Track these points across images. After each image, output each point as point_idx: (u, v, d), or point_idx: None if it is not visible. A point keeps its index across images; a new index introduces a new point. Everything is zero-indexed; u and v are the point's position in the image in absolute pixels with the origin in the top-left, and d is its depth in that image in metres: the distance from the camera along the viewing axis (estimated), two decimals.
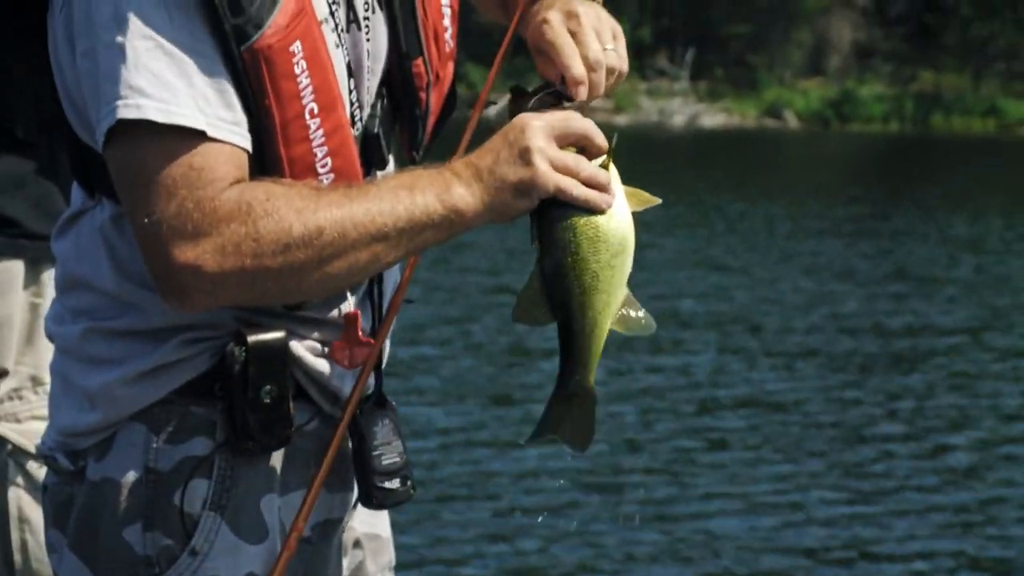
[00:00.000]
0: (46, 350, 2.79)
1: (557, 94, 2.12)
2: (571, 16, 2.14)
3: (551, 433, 2.18)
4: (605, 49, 2.14)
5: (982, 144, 46.38)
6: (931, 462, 11.22)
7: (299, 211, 1.96)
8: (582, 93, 2.10)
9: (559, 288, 2.08)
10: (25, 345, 3.21)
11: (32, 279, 3.17)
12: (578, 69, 2.07)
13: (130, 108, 1.89)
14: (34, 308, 3.19)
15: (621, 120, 46.12)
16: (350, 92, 2.18)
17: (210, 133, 1.94)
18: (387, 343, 2.32)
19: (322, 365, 2.20)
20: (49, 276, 3.09)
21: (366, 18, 2.19)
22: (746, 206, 27.74)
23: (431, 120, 2.32)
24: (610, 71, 2.15)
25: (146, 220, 1.94)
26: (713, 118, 53.70)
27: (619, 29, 2.20)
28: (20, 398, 3.25)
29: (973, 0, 51.24)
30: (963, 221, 25.95)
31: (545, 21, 2.14)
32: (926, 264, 20.50)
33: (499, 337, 14.71)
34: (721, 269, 19.90)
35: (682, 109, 53.14)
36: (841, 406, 12.79)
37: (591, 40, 2.11)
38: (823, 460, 11.11)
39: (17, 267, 3.17)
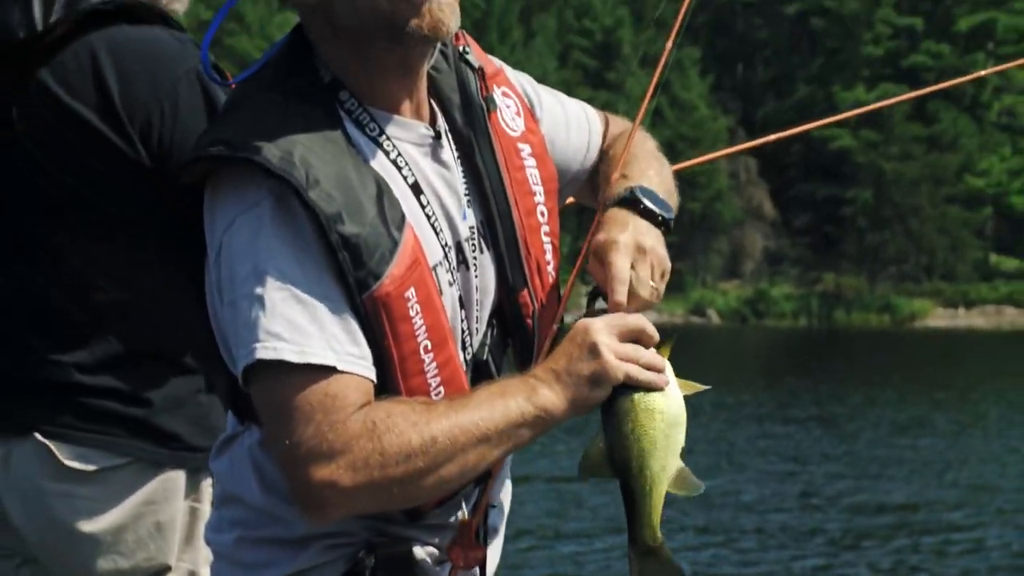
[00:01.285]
0: (203, 548, 3.01)
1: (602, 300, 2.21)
2: (640, 250, 2.19)
3: None
4: (650, 284, 2.20)
5: (879, 336, 47.70)
6: None
7: (415, 424, 2.02)
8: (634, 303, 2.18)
9: (620, 452, 2.15)
10: (185, 544, 3.20)
11: (192, 487, 3.18)
12: (620, 298, 2.12)
13: (268, 350, 1.96)
14: (193, 512, 3.20)
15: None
16: (462, 322, 2.23)
17: (340, 367, 2.00)
18: (498, 542, 2.42)
19: (440, 570, 2.24)
20: (206, 484, 3.19)
21: (474, 258, 2.24)
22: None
23: (541, 343, 2.30)
24: (645, 304, 2.20)
25: (287, 443, 2.00)
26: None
27: (668, 269, 2.24)
28: None
29: (867, 213, 53.95)
30: (864, 403, 26.43)
31: (615, 242, 2.18)
32: (816, 443, 20.65)
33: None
34: None
35: None
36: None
37: (644, 277, 2.17)
38: None
39: (179, 476, 3.19)
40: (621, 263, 2.13)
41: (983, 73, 5.82)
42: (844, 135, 53.54)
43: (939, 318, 53.38)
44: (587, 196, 2.54)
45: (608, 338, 2.06)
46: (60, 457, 3.01)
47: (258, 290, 2.01)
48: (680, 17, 2.47)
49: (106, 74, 2.98)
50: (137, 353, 3.07)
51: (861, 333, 49.12)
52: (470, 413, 2.04)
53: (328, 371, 1.98)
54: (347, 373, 1.99)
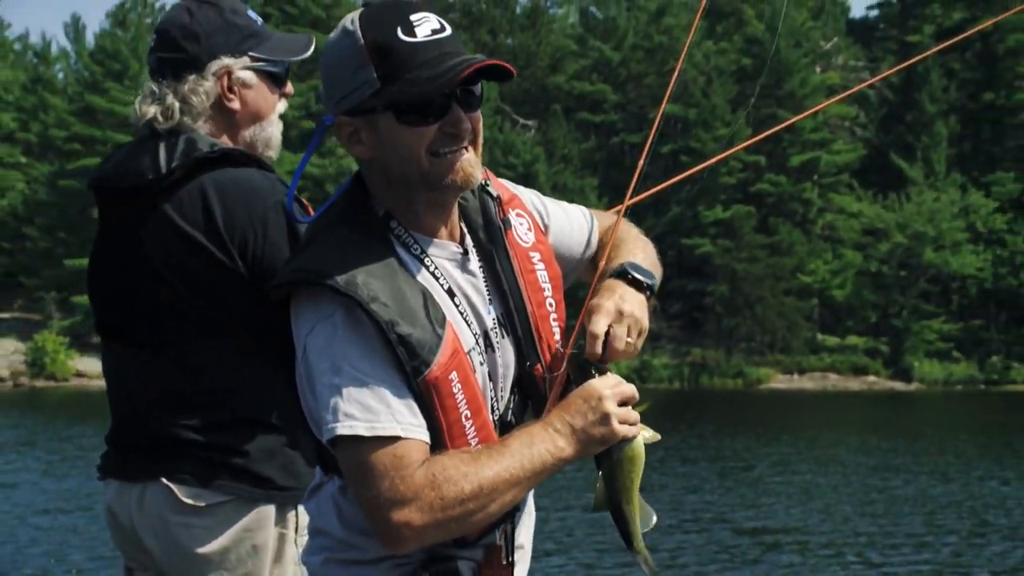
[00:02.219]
0: (289, 565, 3.23)
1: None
2: (619, 313, 2.30)
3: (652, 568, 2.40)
4: (627, 341, 2.29)
5: (734, 395, 50.63)
6: None
7: (465, 475, 2.13)
8: (619, 355, 2.29)
9: (614, 489, 2.33)
10: (274, 563, 3.25)
11: (280, 518, 3.25)
12: (594, 350, 2.26)
13: (345, 428, 2.10)
14: (281, 537, 3.26)
15: None
16: (491, 392, 2.34)
17: (403, 435, 2.11)
18: (526, 559, 2.51)
19: None
20: (291, 515, 3.28)
21: (498, 343, 2.35)
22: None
23: (550, 401, 2.36)
24: (624, 355, 2.30)
25: (369, 495, 2.11)
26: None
27: (645, 328, 2.35)
28: None
29: (724, 303, 57.51)
30: (727, 446, 26.67)
31: (599, 306, 2.30)
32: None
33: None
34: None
35: None
36: None
37: (620, 334, 2.28)
38: None
39: (270, 510, 3.24)
40: (598, 324, 2.26)
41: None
42: (706, 243, 57.41)
43: (779, 381, 56.64)
44: (591, 277, 2.58)
45: (614, 407, 2.21)
46: (180, 496, 3.18)
47: (335, 381, 2.13)
48: (650, 141, 2.78)
49: (213, 205, 3.14)
50: (239, 419, 3.20)
51: (721, 393, 52.88)
52: (506, 462, 2.15)
53: (394, 439, 2.11)
54: (409, 439, 2.12)
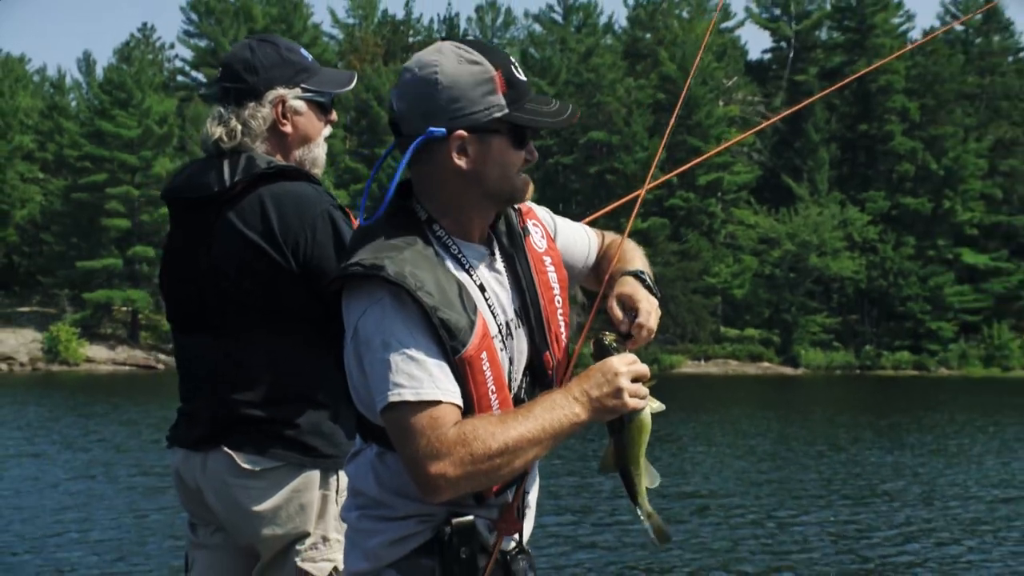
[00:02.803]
0: (331, 521, 3.18)
1: (622, 337, 2.29)
2: (648, 300, 2.36)
3: (662, 536, 2.37)
4: (648, 328, 2.33)
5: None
6: None
7: (493, 435, 2.11)
8: (640, 338, 2.31)
9: (622, 454, 2.30)
10: (318, 519, 3.23)
11: (324, 481, 3.22)
12: (642, 335, 2.30)
13: (395, 395, 2.11)
14: (324, 498, 3.23)
15: None
16: (510, 372, 2.32)
17: (442, 399, 2.12)
18: (531, 518, 2.47)
19: (492, 536, 2.33)
20: (333, 479, 3.21)
21: (516, 331, 2.35)
22: None
23: (557, 382, 2.38)
24: (645, 341, 2.33)
25: (409, 452, 2.12)
26: None
27: (655, 330, 2.36)
28: (316, 549, 3.26)
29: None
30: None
31: (643, 299, 2.35)
32: None
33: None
34: None
35: None
36: None
37: (652, 325, 2.34)
38: None
39: (315, 474, 3.23)
40: (647, 311, 2.33)
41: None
42: None
43: (689, 367, 57.39)
44: (590, 283, 2.65)
45: (627, 382, 2.18)
46: (239, 462, 3.17)
47: (385, 355, 2.14)
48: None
49: (270, 213, 3.10)
50: (291, 396, 3.18)
51: None
52: (530, 424, 2.14)
53: (434, 403, 2.11)
54: (445, 403, 2.12)
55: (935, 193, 66.57)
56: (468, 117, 2.20)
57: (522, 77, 2.25)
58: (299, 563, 3.25)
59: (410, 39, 75.18)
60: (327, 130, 3.36)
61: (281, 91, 3.24)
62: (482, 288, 2.29)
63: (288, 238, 3.10)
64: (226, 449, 3.20)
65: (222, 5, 68.66)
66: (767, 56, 76.42)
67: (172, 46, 76.25)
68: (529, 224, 2.48)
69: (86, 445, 20.53)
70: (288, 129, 3.26)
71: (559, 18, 76.00)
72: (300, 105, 3.27)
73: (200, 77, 70.20)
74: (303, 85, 3.27)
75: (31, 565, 10.58)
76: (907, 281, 64.20)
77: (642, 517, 2.35)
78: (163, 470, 15.49)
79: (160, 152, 58.77)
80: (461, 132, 2.20)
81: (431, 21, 77.95)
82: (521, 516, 2.41)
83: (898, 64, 67.12)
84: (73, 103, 69.22)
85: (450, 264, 2.26)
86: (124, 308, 57.66)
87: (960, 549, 12.05)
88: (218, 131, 3.19)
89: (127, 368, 53.44)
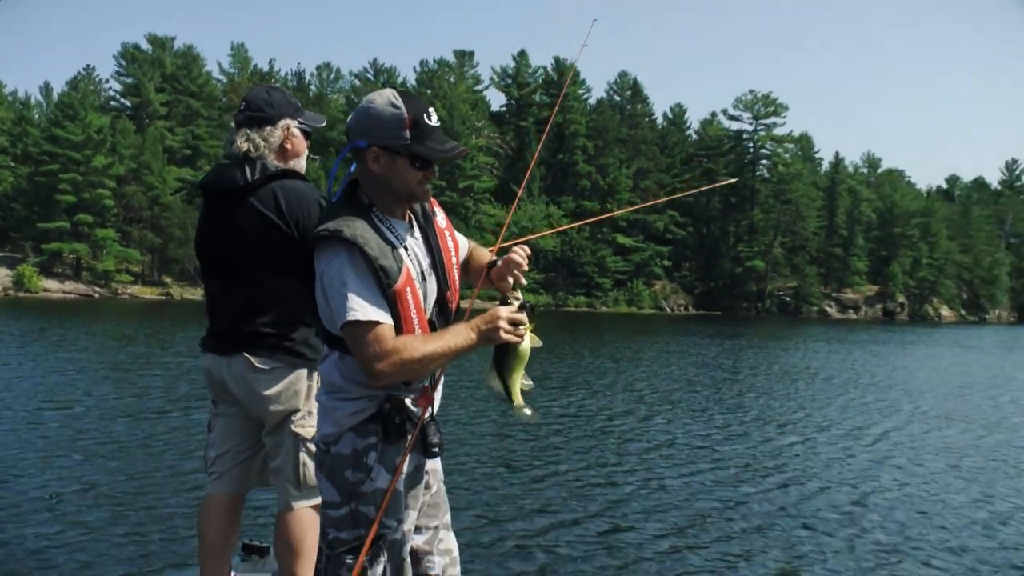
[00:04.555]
0: (314, 400, 3.28)
1: (508, 302, 2.48)
2: (515, 251, 2.56)
3: (525, 413, 2.49)
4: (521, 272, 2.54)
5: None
6: None
7: (417, 348, 2.28)
8: (518, 259, 2.52)
9: (501, 369, 2.46)
10: (306, 399, 3.27)
11: (309, 375, 3.27)
12: (518, 296, 2.46)
13: (351, 316, 2.27)
14: (309, 387, 3.28)
15: None
16: (424, 304, 2.47)
17: (381, 321, 2.28)
18: (438, 398, 2.61)
19: (417, 407, 2.49)
20: (315, 375, 3.28)
21: (428, 277, 2.52)
22: None
23: (452, 312, 2.54)
24: (518, 278, 2.53)
25: (362, 355, 2.29)
26: None
27: (525, 250, 2.54)
28: (304, 419, 3.30)
29: None
30: None
31: (513, 261, 2.53)
32: None
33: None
34: None
35: None
36: None
37: (521, 250, 2.54)
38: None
39: (304, 371, 3.29)
40: (518, 251, 2.54)
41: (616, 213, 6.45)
42: None
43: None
44: (470, 276, 2.74)
45: (504, 323, 2.39)
46: (255, 363, 3.28)
47: (343, 291, 2.29)
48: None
49: (280, 200, 3.20)
50: (288, 320, 3.28)
51: None
52: (442, 342, 2.33)
53: (375, 323, 2.28)
54: (383, 323, 2.29)
55: (602, 199, 73.20)
56: (381, 140, 2.41)
57: (431, 123, 2.45)
58: (292, 428, 3.37)
59: (273, 85, 69.30)
60: (306, 150, 3.46)
61: (287, 121, 3.35)
62: (406, 248, 2.46)
63: (292, 216, 3.23)
64: (245, 355, 3.32)
65: (142, 55, 70.32)
66: (503, 108, 79.10)
67: (107, 80, 74.77)
68: (436, 210, 2.69)
69: (58, 346, 20.12)
70: (289, 146, 3.36)
71: (371, 77, 77.97)
72: (297, 132, 3.39)
73: (126, 103, 70.90)
74: (299, 119, 3.40)
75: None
76: (584, 253, 70.65)
77: (516, 411, 2.53)
78: (93, 352, 17.03)
79: (97, 152, 59.55)
80: (376, 148, 2.41)
81: (287, 73, 79.42)
82: (433, 397, 2.56)
83: (582, 118, 74.00)
84: (36, 116, 69.08)
85: (385, 231, 2.43)
86: (70, 255, 58.74)
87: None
88: (245, 145, 3.29)
89: (72, 296, 54.91)
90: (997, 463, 10.66)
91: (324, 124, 3.54)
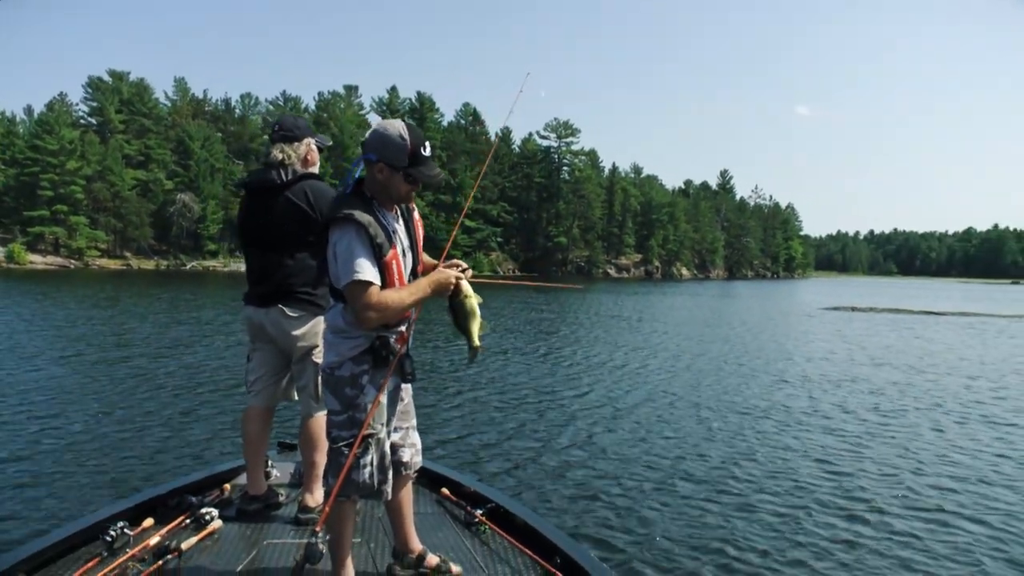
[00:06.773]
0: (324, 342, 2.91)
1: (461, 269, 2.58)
2: (461, 267, 2.60)
3: (473, 357, 2.53)
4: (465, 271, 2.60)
5: None
6: None
7: (394, 299, 2.33)
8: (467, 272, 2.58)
9: (458, 317, 2.50)
10: (321, 340, 3.05)
11: (325, 321, 2.88)
12: (460, 272, 2.53)
13: (353, 276, 2.27)
14: (322, 332, 2.98)
15: None
16: (407, 269, 2.52)
17: (375, 282, 2.31)
18: (411, 341, 2.62)
19: (397, 345, 2.50)
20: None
21: (407, 254, 2.54)
22: None
23: (420, 271, 2.58)
24: (466, 274, 2.58)
25: (355, 306, 2.32)
26: None
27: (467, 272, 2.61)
28: (320, 351, 3.22)
29: None
30: None
31: (459, 265, 2.59)
32: None
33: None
34: None
35: None
36: None
37: (462, 265, 2.57)
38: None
39: (321, 319, 3.22)
40: (458, 265, 2.61)
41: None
42: None
43: None
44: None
45: (454, 280, 2.51)
46: (288, 312, 3.29)
47: (348, 258, 2.32)
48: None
49: (308, 194, 3.24)
50: (312, 280, 3.29)
51: None
52: (411, 292, 2.41)
53: (369, 283, 2.32)
54: (375, 284, 2.33)
55: (453, 194, 70.42)
56: (387, 159, 2.46)
57: (425, 153, 2.49)
58: (313, 359, 3.37)
59: (206, 109, 74.64)
60: (319, 160, 3.48)
61: (309, 139, 3.41)
62: (394, 231, 2.50)
63: (318, 206, 3.27)
64: (280, 306, 3.33)
65: (104, 84, 69.92)
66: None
67: (77, 104, 71.00)
68: (413, 208, 2.71)
69: (55, 301, 20.12)
70: (309, 157, 3.41)
71: (282, 103, 74.94)
72: (314, 147, 3.43)
73: (92, 121, 69.77)
74: (316, 138, 3.46)
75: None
76: (440, 232, 60.48)
77: (475, 352, 2.55)
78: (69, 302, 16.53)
79: (69, 158, 59.57)
80: (382, 163, 2.47)
81: (217, 100, 76.10)
82: (408, 338, 2.60)
83: (437, 135, 71.95)
84: (21, 130, 67.27)
85: (381, 219, 2.47)
86: (50, 236, 58.82)
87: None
88: (280, 155, 3.33)
89: (52, 267, 54.39)
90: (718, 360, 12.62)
91: (331, 144, 3.86)
